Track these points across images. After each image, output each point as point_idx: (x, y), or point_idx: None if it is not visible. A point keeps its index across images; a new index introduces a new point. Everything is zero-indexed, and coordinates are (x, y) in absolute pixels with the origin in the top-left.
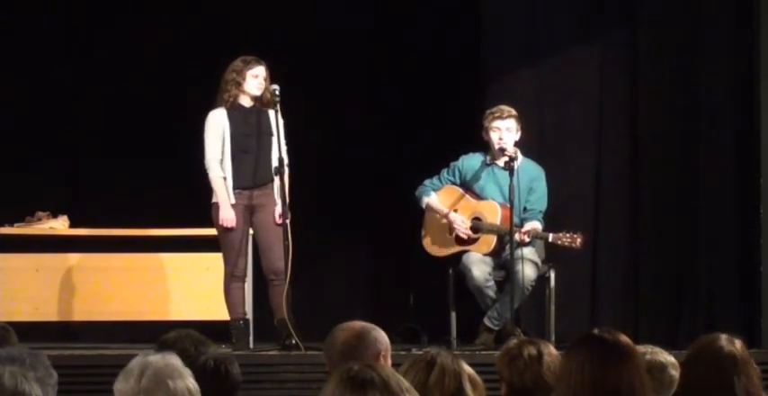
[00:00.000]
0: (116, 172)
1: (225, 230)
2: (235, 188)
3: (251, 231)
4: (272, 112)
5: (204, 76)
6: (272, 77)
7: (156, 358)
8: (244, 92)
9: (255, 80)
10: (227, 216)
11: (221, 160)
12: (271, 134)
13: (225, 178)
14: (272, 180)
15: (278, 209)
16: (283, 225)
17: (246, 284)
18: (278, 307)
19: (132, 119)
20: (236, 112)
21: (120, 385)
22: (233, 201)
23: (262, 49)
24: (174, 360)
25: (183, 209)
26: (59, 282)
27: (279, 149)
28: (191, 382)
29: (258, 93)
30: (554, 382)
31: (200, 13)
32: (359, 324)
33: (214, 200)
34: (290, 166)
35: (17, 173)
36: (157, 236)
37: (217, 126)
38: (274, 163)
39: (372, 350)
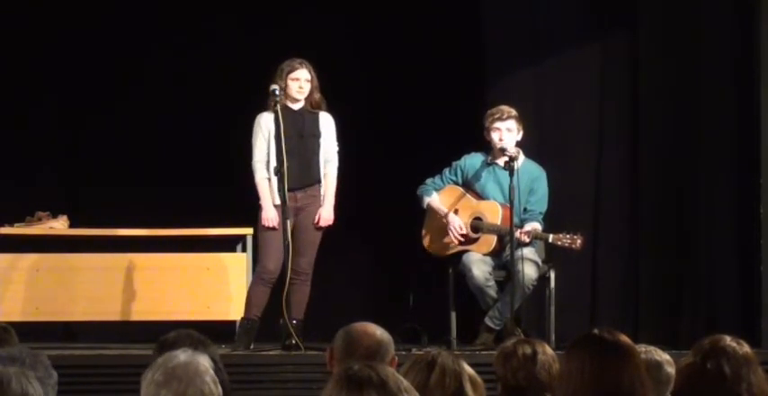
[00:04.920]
0: (116, 172)
1: (263, 230)
2: (279, 189)
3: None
4: (322, 115)
5: (204, 75)
6: (320, 80)
7: (182, 355)
8: (287, 95)
9: (295, 84)
10: (269, 215)
11: (267, 162)
12: (317, 136)
13: (269, 179)
14: (318, 181)
15: (321, 211)
16: (283, 225)
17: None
18: (293, 306)
19: (132, 119)
20: (281, 114)
21: (144, 376)
22: (276, 202)
23: (262, 50)
24: (202, 360)
25: (183, 209)
26: (59, 282)
27: (316, 152)
28: (208, 385)
29: (299, 96)
30: (548, 380)
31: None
32: (375, 328)
33: (260, 202)
34: (339, 168)
35: (17, 173)
36: (158, 236)
37: (263, 129)
38: (321, 166)
39: (390, 355)
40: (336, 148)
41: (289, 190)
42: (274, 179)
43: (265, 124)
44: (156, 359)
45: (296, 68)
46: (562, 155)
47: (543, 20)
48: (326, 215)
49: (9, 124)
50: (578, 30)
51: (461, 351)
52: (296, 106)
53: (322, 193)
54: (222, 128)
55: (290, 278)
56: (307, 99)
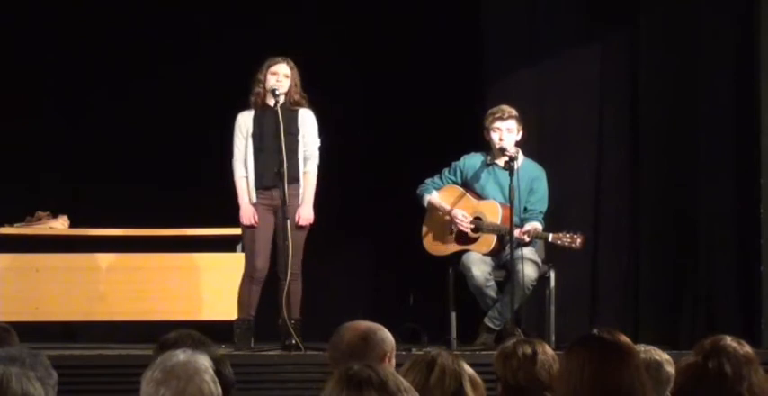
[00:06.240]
0: (116, 172)
1: (244, 229)
2: (257, 188)
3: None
4: (303, 112)
5: (211, 74)
6: (303, 77)
7: (182, 354)
8: (266, 90)
9: (273, 77)
10: (245, 214)
11: (246, 160)
12: (294, 134)
13: (246, 177)
14: (297, 180)
15: (300, 211)
16: (283, 225)
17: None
18: (284, 307)
19: (133, 119)
20: (260, 112)
21: (144, 374)
22: (254, 200)
23: (262, 49)
24: (201, 359)
25: (183, 209)
26: (59, 282)
27: (293, 149)
28: (208, 384)
29: (276, 90)
30: (548, 380)
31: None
32: (364, 324)
33: (238, 200)
34: (319, 167)
35: (17, 173)
36: (158, 236)
37: (240, 127)
38: (300, 164)
39: (378, 351)
40: (317, 145)
41: (265, 188)
42: (251, 178)
43: (244, 123)
44: (157, 358)
45: (276, 63)
46: (562, 155)
47: (543, 20)
48: (306, 214)
49: (9, 124)
50: (578, 30)
51: (461, 351)
52: (274, 103)
53: (301, 191)
54: (222, 128)
55: (281, 280)
56: (287, 96)
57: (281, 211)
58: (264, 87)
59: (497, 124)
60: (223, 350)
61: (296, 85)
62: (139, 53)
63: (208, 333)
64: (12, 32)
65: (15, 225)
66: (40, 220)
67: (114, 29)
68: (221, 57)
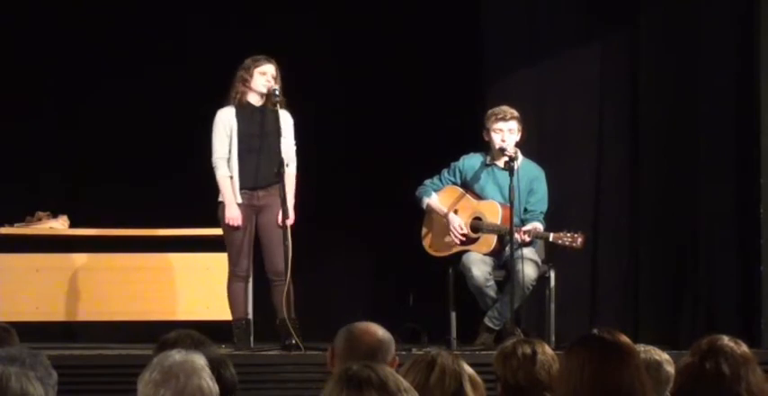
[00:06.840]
0: (116, 172)
1: (229, 229)
2: (240, 188)
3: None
4: (282, 113)
5: (209, 74)
6: (283, 78)
7: (177, 354)
8: (251, 89)
9: (263, 77)
10: (232, 215)
11: (229, 159)
12: (278, 134)
13: (231, 177)
14: (279, 181)
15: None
16: (283, 226)
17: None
18: (279, 307)
19: (133, 118)
20: (243, 111)
21: (140, 377)
22: (239, 200)
23: (261, 48)
24: (197, 359)
25: (183, 209)
26: (59, 282)
27: (279, 151)
28: (206, 382)
29: (264, 90)
30: (548, 380)
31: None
32: (377, 328)
33: (220, 199)
34: (298, 168)
35: (17, 173)
36: (158, 236)
37: (224, 124)
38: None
39: (390, 356)
40: (294, 148)
41: (250, 188)
42: (236, 177)
43: (227, 120)
44: (152, 359)
45: (263, 63)
46: (562, 155)
47: (543, 20)
48: (284, 212)
49: (9, 124)
50: (578, 30)
51: (461, 351)
52: (256, 102)
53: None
54: None
55: (273, 280)
56: (267, 97)
57: (280, 211)
58: (249, 86)
59: (499, 125)
60: (223, 350)
61: (280, 87)
62: (140, 53)
63: (208, 333)
64: (12, 32)
65: (15, 225)
66: (40, 220)
67: (115, 29)
68: (223, 57)
